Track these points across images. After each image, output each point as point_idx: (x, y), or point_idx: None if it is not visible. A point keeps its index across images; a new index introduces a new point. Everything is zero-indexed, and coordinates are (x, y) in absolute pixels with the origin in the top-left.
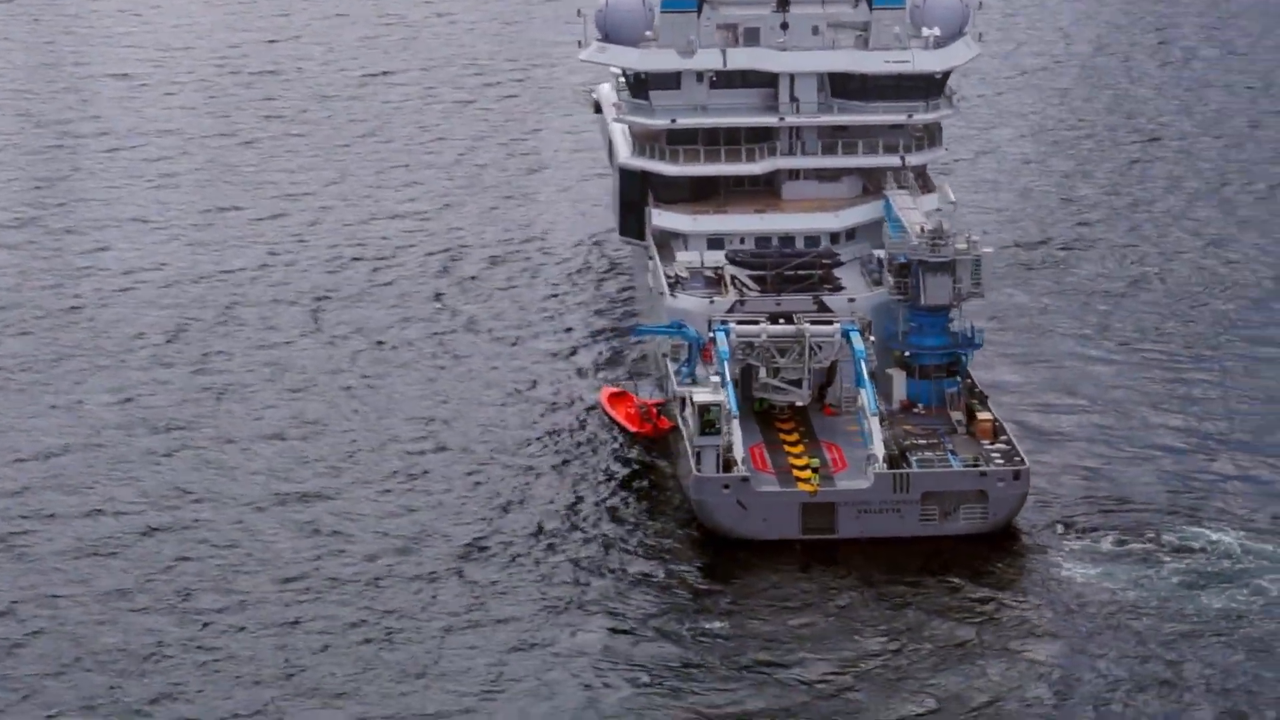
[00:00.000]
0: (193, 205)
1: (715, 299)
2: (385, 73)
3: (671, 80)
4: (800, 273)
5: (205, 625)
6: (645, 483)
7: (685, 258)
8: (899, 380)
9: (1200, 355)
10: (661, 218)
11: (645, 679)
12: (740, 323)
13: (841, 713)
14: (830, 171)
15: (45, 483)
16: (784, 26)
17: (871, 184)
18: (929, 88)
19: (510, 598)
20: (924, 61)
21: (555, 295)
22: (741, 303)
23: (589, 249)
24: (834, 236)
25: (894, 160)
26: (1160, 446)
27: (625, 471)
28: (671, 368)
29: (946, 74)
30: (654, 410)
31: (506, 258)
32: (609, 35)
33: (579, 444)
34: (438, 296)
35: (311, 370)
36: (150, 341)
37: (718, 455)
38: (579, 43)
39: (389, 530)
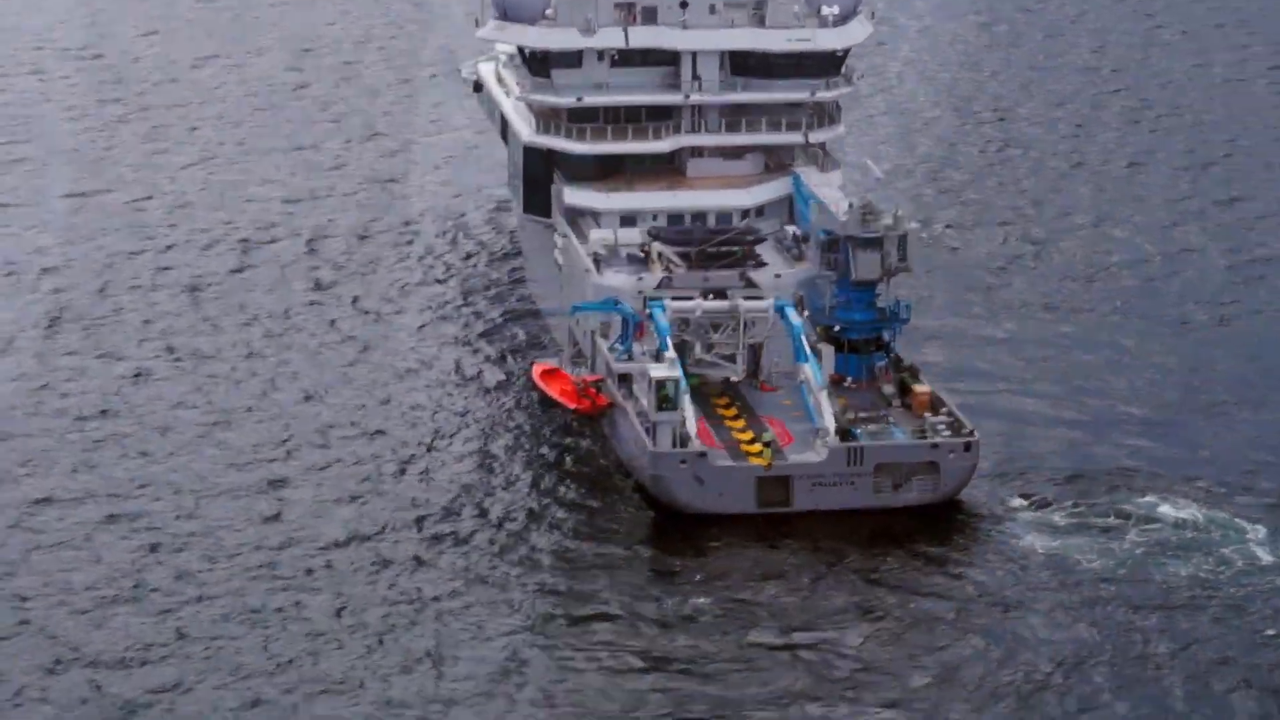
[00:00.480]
0: (55, 190)
1: (644, 276)
2: (250, 52)
3: (574, 59)
4: (724, 249)
5: (167, 613)
6: (585, 464)
7: (599, 235)
8: (828, 355)
9: (1119, 325)
10: (573, 195)
11: (630, 664)
12: (675, 299)
13: (836, 692)
14: (733, 149)
15: None
16: (683, 5)
17: (772, 161)
18: (829, 66)
19: (470, 592)
20: (825, 40)
21: (450, 276)
22: (669, 279)
23: (480, 228)
24: (744, 213)
25: (797, 138)
26: (1103, 418)
27: (561, 452)
28: (603, 344)
29: (846, 52)
30: (591, 387)
31: (392, 240)
32: (507, 13)
33: (513, 426)
34: (320, 284)
35: (220, 357)
36: (40, 330)
37: (673, 431)
38: (476, 21)
39: (340, 519)
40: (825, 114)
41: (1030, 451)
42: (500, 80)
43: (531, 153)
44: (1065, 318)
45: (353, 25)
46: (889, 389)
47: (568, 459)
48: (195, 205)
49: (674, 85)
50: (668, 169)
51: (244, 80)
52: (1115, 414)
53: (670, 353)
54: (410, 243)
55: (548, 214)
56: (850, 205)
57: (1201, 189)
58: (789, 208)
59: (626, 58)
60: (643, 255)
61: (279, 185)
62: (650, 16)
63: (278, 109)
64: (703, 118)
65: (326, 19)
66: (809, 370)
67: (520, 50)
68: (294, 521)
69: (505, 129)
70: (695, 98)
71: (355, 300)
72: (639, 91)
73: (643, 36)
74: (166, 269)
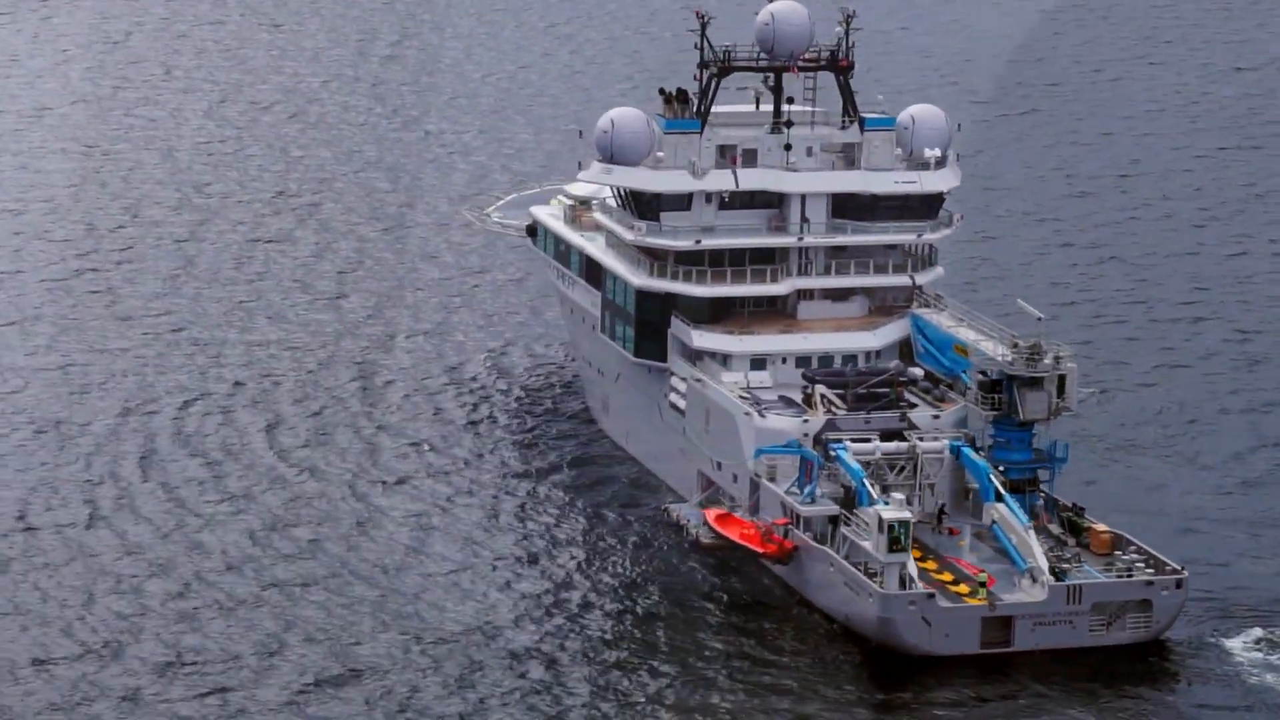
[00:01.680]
0: None
1: (808, 418)
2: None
3: (684, 201)
4: (876, 390)
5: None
6: (779, 610)
7: (731, 378)
8: (893, 495)
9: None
10: (703, 339)
11: None
12: (853, 441)
13: None
14: (840, 291)
15: None
16: (787, 148)
17: (875, 303)
18: (930, 208)
19: None
20: (930, 182)
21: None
22: (833, 422)
23: (545, 375)
24: (869, 355)
25: (904, 279)
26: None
27: (745, 599)
28: (780, 487)
29: (946, 194)
30: (776, 532)
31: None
32: (614, 157)
33: (677, 575)
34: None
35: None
36: None
37: (902, 573)
38: (579, 164)
39: None
40: (926, 256)
41: (1228, 584)
42: (575, 222)
43: (647, 296)
44: (1221, 445)
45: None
46: (1055, 528)
47: (755, 606)
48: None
49: (780, 227)
50: (776, 311)
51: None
52: None
53: (898, 495)
54: (473, 396)
55: (663, 358)
56: (1015, 344)
57: None
58: (897, 350)
59: (733, 200)
60: (805, 397)
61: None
62: (751, 159)
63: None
64: (809, 260)
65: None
66: (1003, 510)
67: (624, 193)
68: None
69: (587, 273)
70: (809, 240)
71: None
72: (745, 234)
73: (752, 179)
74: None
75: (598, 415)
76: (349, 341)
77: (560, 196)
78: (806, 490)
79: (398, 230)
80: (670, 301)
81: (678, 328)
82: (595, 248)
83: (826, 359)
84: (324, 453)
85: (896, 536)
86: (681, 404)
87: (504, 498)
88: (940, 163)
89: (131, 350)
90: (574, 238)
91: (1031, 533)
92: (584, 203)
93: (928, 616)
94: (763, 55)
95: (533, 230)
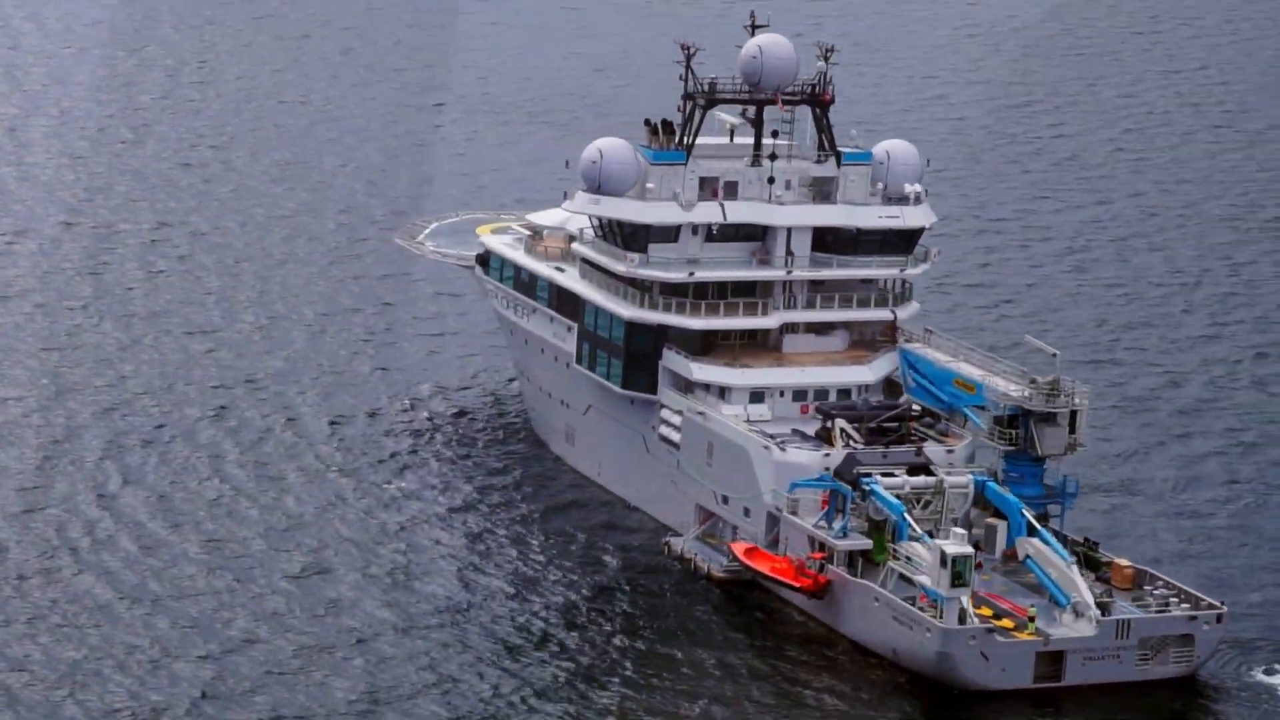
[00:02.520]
0: None
1: (829, 452)
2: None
3: (672, 233)
4: (887, 425)
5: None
6: (818, 645)
7: (731, 411)
8: (1002, 530)
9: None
10: (704, 371)
11: None
12: (883, 475)
13: None
14: (822, 325)
15: None
16: (770, 181)
17: (854, 336)
18: (908, 243)
19: None
20: (912, 217)
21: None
22: (854, 456)
23: (493, 405)
24: (862, 388)
25: (886, 314)
26: None
27: (779, 636)
28: (799, 521)
29: (923, 230)
30: (810, 566)
31: (403, 429)
32: (601, 187)
33: (695, 610)
34: (392, 485)
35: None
36: None
37: (961, 608)
38: (565, 194)
39: None
40: (903, 291)
41: (1253, 618)
42: (535, 252)
43: (637, 328)
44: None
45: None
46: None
47: (785, 640)
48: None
49: (765, 260)
50: (758, 345)
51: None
52: None
53: (957, 529)
54: (425, 429)
55: (653, 390)
56: (1033, 380)
57: None
58: (889, 383)
59: (718, 233)
60: (825, 431)
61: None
62: (732, 192)
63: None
64: (792, 294)
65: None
66: (1039, 545)
67: (608, 223)
68: None
69: (558, 304)
70: (797, 273)
71: (407, 516)
72: (732, 267)
73: (739, 212)
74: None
75: (558, 448)
76: (287, 375)
77: (515, 225)
78: (839, 525)
79: (337, 259)
80: (662, 333)
81: (672, 360)
82: (568, 279)
83: (822, 393)
84: (275, 491)
85: (959, 571)
86: (675, 436)
87: (486, 535)
88: (919, 198)
89: (88, 391)
90: (541, 268)
91: (1074, 568)
92: (537, 233)
93: (986, 651)
94: (746, 88)
95: (484, 259)
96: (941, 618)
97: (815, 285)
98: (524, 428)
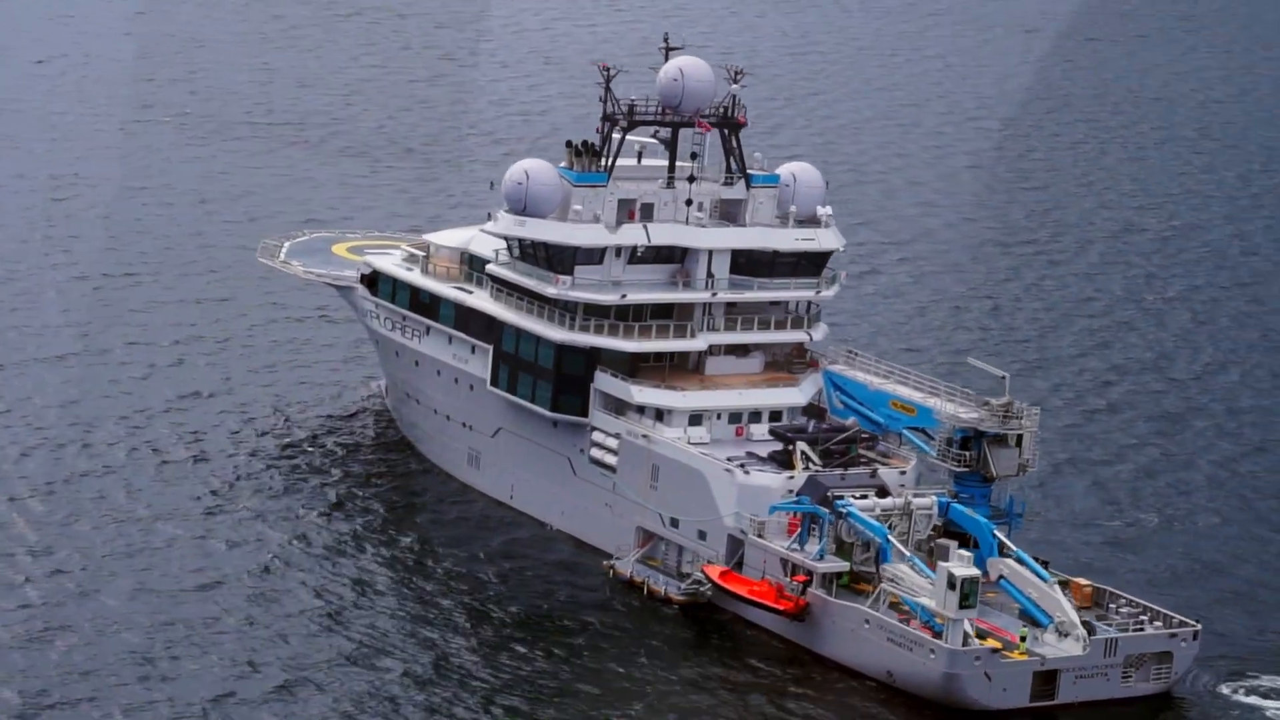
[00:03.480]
0: None
1: (793, 475)
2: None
3: (598, 255)
4: (835, 448)
5: None
6: (791, 665)
7: (672, 434)
8: (954, 550)
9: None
10: (644, 394)
11: None
12: (855, 498)
13: None
14: (740, 348)
15: None
16: (688, 203)
17: (768, 358)
18: (818, 265)
19: None
20: (826, 240)
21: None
22: (814, 479)
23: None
24: (795, 410)
25: (802, 335)
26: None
27: (757, 656)
28: (781, 544)
29: (831, 253)
30: (788, 588)
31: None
32: (526, 209)
33: (660, 636)
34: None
35: None
36: None
37: (964, 629)
38: (489, 215)
39: None
40: (814, 313)
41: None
42: (432, 273)
43: (568, 350)
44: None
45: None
46: None
47: (764, 663)
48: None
49: (686, 283)
50: (680, 367)
51: None
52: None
53: (967, 550)
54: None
55: (584, 413)
56: (987, 403)
57: None
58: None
59: (641, 255)
60: (785, 454)
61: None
62: (648, 213)
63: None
64: (711, 315)
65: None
66: (1014, 565)
67: (531, 245)
68: None
69: (467, 326)
70: (722, 295)
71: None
72: (655, 289)
73: (663, 234)
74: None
75: (458, 471)
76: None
77: (405, 246)
78: (818, 548)
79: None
80: (593, 356)
81: (607, 383)
82: (479, 300)
83: (755, 415)
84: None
85: (968, 593)
86: (609, 459)
87: (407, 564)
88: (828, 221)
89: None
90: (444, 289)
91: (1057, 587)
92: (427, 254)
93: (990, 672)
94: (666, 109)
95: (371, 280)
96: (947, 640)
97: (730, 308)
98: (404, 451)
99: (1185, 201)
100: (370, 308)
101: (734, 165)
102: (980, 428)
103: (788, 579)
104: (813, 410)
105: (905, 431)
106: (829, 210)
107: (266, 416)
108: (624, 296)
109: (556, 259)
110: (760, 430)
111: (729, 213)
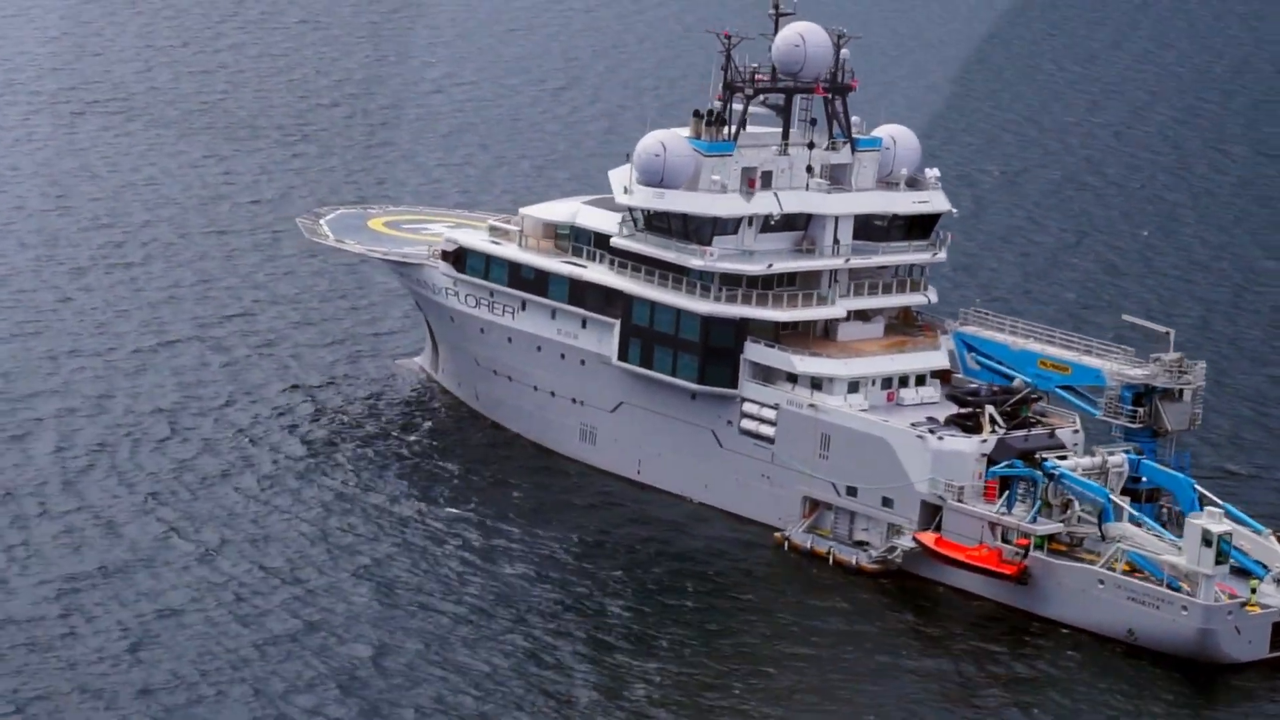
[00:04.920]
0: None
1: (985, 439)
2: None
3: (733, 225)
4: (1013, 409)
5: None
6: (1018, 631)
7: (835, 403)
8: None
9: None
10: (805, 364)
11: None
12: (1059, 459)
13: None
14: (863, 313)
15: None
16: (809, 170)
17: (886, 322)
18: (928, 227)
19: None
20: (938, 202)
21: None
22: (1003, 442)
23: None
24: (938, 373)
25: (922, 298)
26: None
27: (977, 620)
28: (987, 508)
29: (942, 214)
30: (1012, 552)
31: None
32: (663, 180)
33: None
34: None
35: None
36: None
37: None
38: (625, 189)
39: None
40: (924, 276)
41: None
42: (531, 247)
43: (715, 322)
44: None
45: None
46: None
47: (989, 628)
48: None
49: (810, 250)
50: (804, 334)
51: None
52: None
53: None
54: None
55: (733, 384)
56: (1159, 358)
57: None
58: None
59: (767, 224)
60: (970, 417)
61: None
62: (767, 181)
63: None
64: (836, 282)
65: None
66: (1214, 518)
67: (666, 217)
68: None
69: (585, 301)
70: (855, 261)
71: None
72: (784, 257)
73: (793, 202)
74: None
75: (562, 448)
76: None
77: (492, 222)
78: (1032, 510)
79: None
80: (742, 327)
81: (761, 353)
82: (601, 274)
83: (904, 379)
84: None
85: (1222, 548)
86: (765, 430)
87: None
88: (937, 183)
89: None
90: (554, 264)
91: (1272, 537)
92: (507, 228)
93: (1239, 625)
94: (783, 76)
95: (457, 256)
96: (1200, 595)
97: (852, 274)
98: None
99: None
100: (448, 284)
101: (842, 130)
102: (1153, 383)
103: (1004, 542)
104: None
105: (1058, 390)
106: (937, 173)
107: (330, 405)
108: (770, 266)
109: (695, 230)
110: (910, 395)
111: (835, 177)
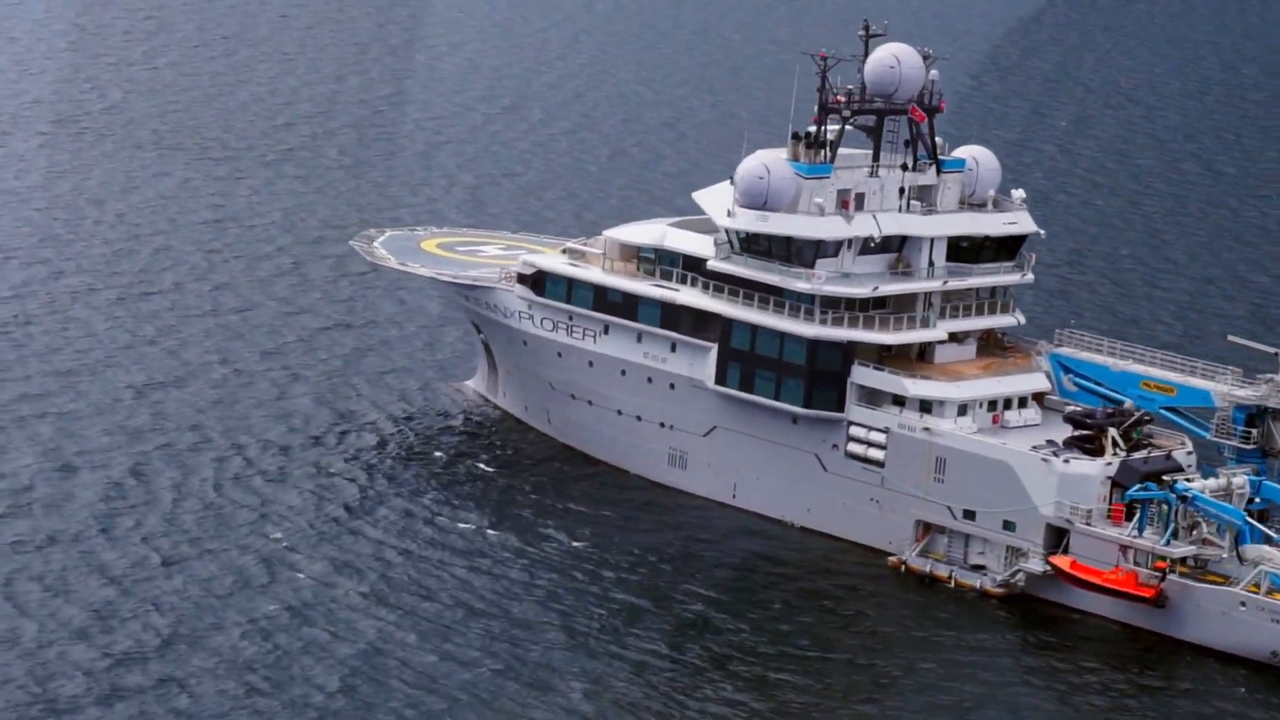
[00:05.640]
0: None
1: (1111, 462)
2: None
3: (834, 248)
4: (1126, 430)
5: None
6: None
7: (950, 427)
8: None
9: None
10: (918, 387)
11: None
12: (1186, 480)
13: None
14: (959, 335)
15: None
16: (901, 192)
17: (976, 343)
18: (1014, 248)
19: None
20: (1026, 223)
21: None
22: (1127, 464)
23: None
24: (1037, 394)
25: (1013, 320)
26: None
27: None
28: (1119, 531)
29: (1028, 235)
30: (1148, 576)
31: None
32: (766, 203)
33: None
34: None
35: None
36: None
37: None
38: (728, 212)
39: None
40: (1011, 296)
41: None
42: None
43: (822, 345)
44: None
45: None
46: None
47: (1124, 651)
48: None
49: (906, 271)
50: (903, 357)
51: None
52: None
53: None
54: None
55: (840, 408)
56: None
57: None
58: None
59: (866, 246)
60: (1092, 438)
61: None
62: (860, 203)
63: None
64: (930, 304)
65: None
66: None
67: (769, 240)
68: None
69: (677, 324)
70: (953, 283)
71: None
72: (880, 279)
73: (891, 224)
74: None
75: (650, 473)
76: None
77: (570, 245)
78: (1166, 534)
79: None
80: (849, 350)
81: (870, 376)
82: (696, 298)
83: (1008, 402)
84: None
85: None
86: (874, 454)
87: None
88: (1023, 204)
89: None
90: (644, 288)
91: None
92: (588, 250)
93: None
94: (876, 98)
95: (536, 279)
96: None
97: (945, 296)
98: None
99: None
100: (521, 308)
101: (928, 151)
102: (1267, 404)
103: (1140, 566)
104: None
105: (1162, 411)
106: (1022, 194)
107: (389, 431)
108: (875, 289)
109: (797, 253)
110: (1014, 417)
111: (921, 199)
